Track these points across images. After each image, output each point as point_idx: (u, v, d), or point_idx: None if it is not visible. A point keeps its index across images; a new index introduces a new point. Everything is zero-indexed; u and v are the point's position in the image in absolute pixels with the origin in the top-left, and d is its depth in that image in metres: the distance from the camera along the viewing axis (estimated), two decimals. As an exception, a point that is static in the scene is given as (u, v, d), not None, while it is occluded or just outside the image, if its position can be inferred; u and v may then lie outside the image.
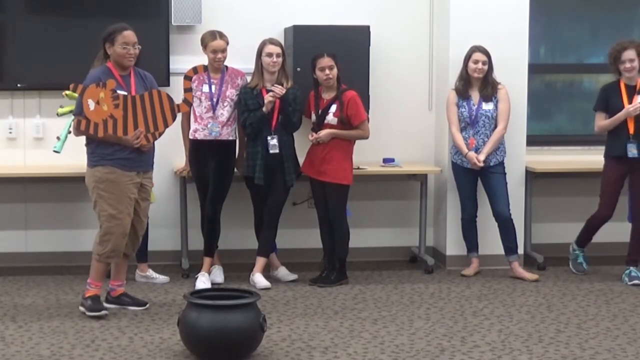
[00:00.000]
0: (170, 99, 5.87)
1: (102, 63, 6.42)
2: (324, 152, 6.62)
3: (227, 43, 6.64)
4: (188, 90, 6.14)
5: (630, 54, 6.72)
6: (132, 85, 5.83)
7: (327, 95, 6.67)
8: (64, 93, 6.41)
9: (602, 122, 6.82)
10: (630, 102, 6.75)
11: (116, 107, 5.69)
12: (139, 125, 5.75)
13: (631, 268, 6.85)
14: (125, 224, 5.81)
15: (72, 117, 5.95)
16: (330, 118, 6.62)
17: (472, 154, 6.85)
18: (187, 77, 6.20)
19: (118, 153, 5.76)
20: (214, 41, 6.60)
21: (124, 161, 5.78)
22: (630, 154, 6.74)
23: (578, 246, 7.09)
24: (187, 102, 6.05)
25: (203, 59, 6.63)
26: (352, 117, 6.62)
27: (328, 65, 6.57)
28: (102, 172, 5.78)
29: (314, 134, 6.64)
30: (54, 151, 6.41)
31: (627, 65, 6.72)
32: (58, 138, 6.47)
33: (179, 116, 6.74)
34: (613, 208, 6.84)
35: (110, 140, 5.73)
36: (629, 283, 6.76)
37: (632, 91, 6.78)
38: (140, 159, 5.86)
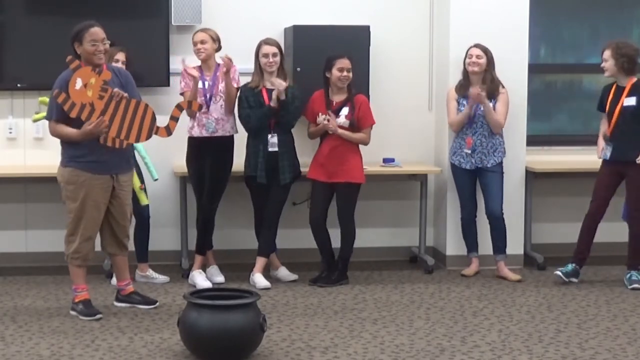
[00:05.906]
0: (154, 119, 5.69)
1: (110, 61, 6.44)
2: (339, 154, 6.62)
3: (213, 38, 6.60)
4: (174, 119, 5.78)
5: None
6: None
7: (337, 98, 6.67)
8: (39, 99, 6.41)
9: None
10: (614, 103, 6.63)
11: (100, 98, 5.58)
12: (113, 125, 5.61)
13: (632, 272, 6.76)
14: (89, 227, 5.74)
15: None
16: (342, 120, 6.63)
17: (474, 90, 6.77)
18: (179, 107, 5.85)
19: (88, 156, 5.66)
20: (195, 34, 6.65)
21: (95, 164, 5.68)
22: (603, 156, 6.70)
23: (575, 265, 6.80)
24: (168, 130, 5.77)
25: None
26: (363, 120, 6.64)
27: (347, 67, 6.58)
28: (70, 174, 5.71)
29: (331, 114, 6.57)
30: None
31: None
32: None
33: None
34: (604, 209, 6.72)
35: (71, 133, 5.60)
36: (629, 287, 6.71)
37: (619, 92, 6.64)
38: (112, 161, 5.73)
